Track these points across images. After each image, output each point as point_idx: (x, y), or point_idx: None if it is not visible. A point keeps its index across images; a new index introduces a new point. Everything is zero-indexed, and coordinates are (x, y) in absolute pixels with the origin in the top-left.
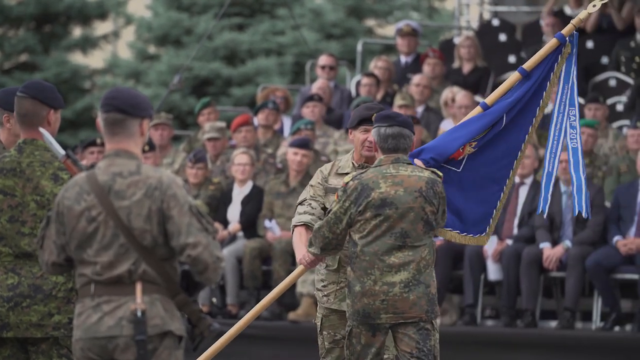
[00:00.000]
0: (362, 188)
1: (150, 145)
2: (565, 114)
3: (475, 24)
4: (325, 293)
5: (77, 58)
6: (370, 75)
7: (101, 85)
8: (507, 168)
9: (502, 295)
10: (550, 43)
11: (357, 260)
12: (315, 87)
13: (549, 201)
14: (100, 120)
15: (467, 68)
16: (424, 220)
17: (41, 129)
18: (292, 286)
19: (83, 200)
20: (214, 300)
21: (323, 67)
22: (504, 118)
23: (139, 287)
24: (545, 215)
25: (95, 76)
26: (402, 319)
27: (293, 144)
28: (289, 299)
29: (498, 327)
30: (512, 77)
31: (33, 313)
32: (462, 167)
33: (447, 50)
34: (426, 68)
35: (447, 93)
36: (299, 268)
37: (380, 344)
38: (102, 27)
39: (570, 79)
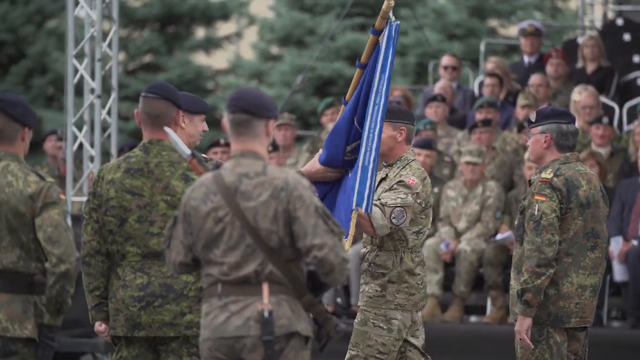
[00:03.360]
0: (569, 185)
1: (274, 146)
2: (380, 105)
3: (598, 24)
4: None
5: (201, 59)
6: (493, 75)
7: (224, 86)
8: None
9: (628, 296)
10: (370, 39)
11: (555, 262)
12: (438, 88)
13: (365, 196)
14: (225, 120)
15: (590, 68)
16: (605, 221)
17: (167, 129)
18: None
19: (210, 200)
20: (339, 300)
21: (446, 68)
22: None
23: (265, 287)
24: (366, 212)
25: (218, 77)
26: (584, 324)
27: (416, 145)
28: None
29: (624, 329)
30: (356, 72)
31: (165, 312)
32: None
33: (570, 50)
34: (549, 68)
35: (576, 94)
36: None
37: (564, 349)
38: (225, 28)
39: (387, 69)
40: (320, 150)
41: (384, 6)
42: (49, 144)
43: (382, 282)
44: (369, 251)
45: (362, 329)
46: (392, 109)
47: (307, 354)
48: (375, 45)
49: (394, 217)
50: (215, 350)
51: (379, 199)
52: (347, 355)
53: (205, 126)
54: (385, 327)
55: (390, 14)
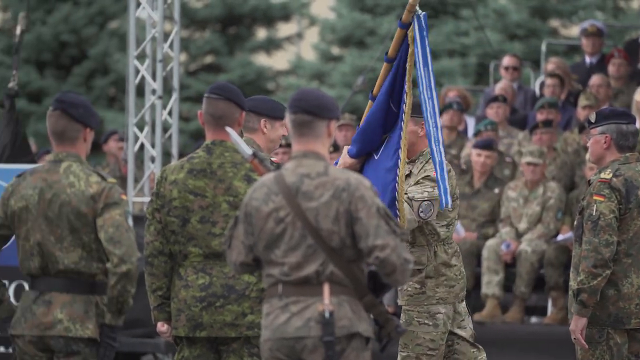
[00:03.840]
0: (628, 186)
1: (335, 146)
2: (433, 98)
3: None
4: None
5: (262, 59)
6: (554, 75)
7: (285, 87)
8: (395, 157)
9: None
10: (397, 33)
11: (614, 263)
12: (499, 88)
13: (448, 191)
14: (287, 121)
15: None
16: None
17: (228, 129)
18: (478, 288)
19: (271, 201)
20: (400, 301)
21: (507, 68)
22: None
23: (326, 288)
24: (450, 207)
25: (279, 77)
26: None
27: (477, 145)
28: (474, 300)
29: None
30: (384, 66)
31: (227, 313)
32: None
33: (632, 50)
34: (611, 68)
35: (638, 94)
36: None
37: (624, 350)
38: (286, 29)
39: (428, 63)
40: (346, 147)
41: None
42: (110, 145)
43: (420, 278)
44: None
45: (408, 329)
46: (412, 104)
47: (367, 355)
48: (403, 39)
49: (421, 211)
50: (276, 350)
51: (406, 194)
52: (399, 358)
53: (285, 131)
54: (431, 323)
55: (417, 7)
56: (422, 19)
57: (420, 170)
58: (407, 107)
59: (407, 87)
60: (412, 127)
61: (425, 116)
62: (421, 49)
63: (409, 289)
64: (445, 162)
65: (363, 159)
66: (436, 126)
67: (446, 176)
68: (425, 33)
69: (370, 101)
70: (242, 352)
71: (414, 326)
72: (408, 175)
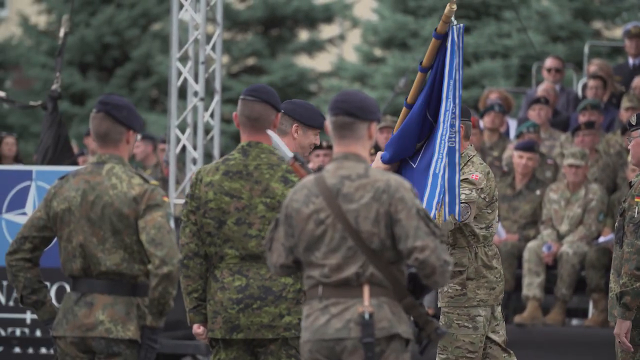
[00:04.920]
0: None
1: (376, 149)
2: (450, 111)
3: None
4: None
5: (304, 61)
6: (597, 77)
7: (327, 89)
8: (432, 165)
9: None
10: (432, 42)
11: None
12: (541, 90)
13: (433, 205)
14: (328, 123)
15: None
16: None
17: (269, 132)
18: (519, 289)
19: (311, 202)
20: (440, 303)
21: (549, 70)
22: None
23: (366, 289)
24: (446, 219)
25: (321, 79)
26: None
27: (518, 147)
28: (515, 302)
29: None
30: (418, 75)
31: (264, 314)
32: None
33: None
34: None
35: None
36: None
37: None
38: (328, 31)
39: (454, 74)
40: (379, 153)
41: (446, 10)
42: (140, 149)
43: (461, 280)
44: None
45: (448, 331)
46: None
47: (407, 357)
48: (438, 49)
49: (458, 213)
50: (315, 352)
51: None
52: None
53: (317, 140)
54: (470, 326)
55: (453, 18)
56: (455, 31)
57: None
58: (450, 117)
59: (445, 96)
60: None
61: (439, 128)
62: (449, 60)
63: (450, 290)
64: (441, 174)
65: (396, 165)
66: (444, 138)
67: (457, 190)
68: (458, 46)
69: (405, 108)
70: (280, 353)
71: (454, 329)
72: None
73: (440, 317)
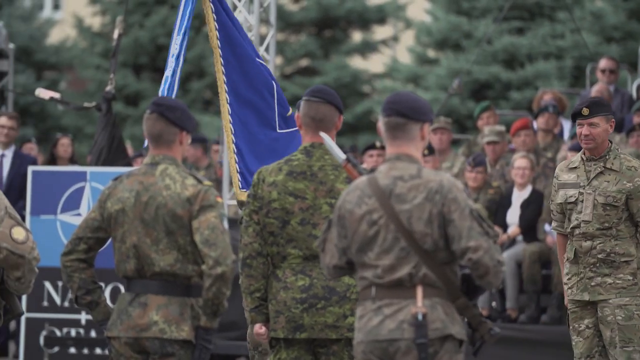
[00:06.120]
0: None
1: (430, 149)
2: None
3: None
4: (570, 285)
5: (357, 62)
6: None
7: (380, 90)
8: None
9: None
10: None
11: None
12: (595, 91)
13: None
14: (381, 124)
15: None
16: None
17: (322, 133)
18: None
19: (364, 203)
20: (494, 304)
21: (603, 71)
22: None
23: (419, 290)
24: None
25: (375, 80)
26: None
27: (572, 148)
28: None
29: None
30: None
31: (328, 314)
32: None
33: None
34: None
35: None
36: None
37: None
38: (381, 32)
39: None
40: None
41: None
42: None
43: (631, 269)
44: (600, 242)
45: (629, 323)
46: (601, 102)
47: (460, 358)
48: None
49: None
50: (369, 353)
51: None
52: (624, 355)
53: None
54: None
55: None
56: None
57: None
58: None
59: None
60: (604, 125)
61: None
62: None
63: (619, 281)
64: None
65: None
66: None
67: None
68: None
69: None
70: (343, 354)
71: (636, 319)
72: (601, 173)
73: (616, 311)
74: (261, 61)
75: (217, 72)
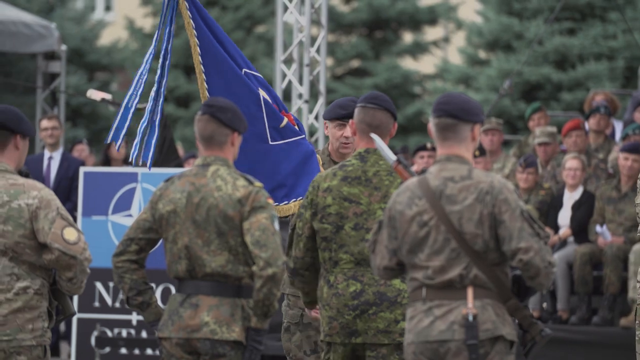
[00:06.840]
0: None
1: (481, 150)
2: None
3: None
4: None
5: (408, 63)
6: None
7: (431, 91)
8: None
9: None
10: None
11: None
12: None
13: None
14: (431, 125)
15: None
16: None
17: (373, 135)
18: (624, 292)
19: (415, 204)
20: (545, 305)
21: None
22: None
23: (470, 291)
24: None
25: (426, 81)
26: None
27: (624, 149)
28: (621, 305)
29: None
30: None
31: (379, 320)
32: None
33: None
34: None
35: None
36: None
37: None
38: (432, 33)
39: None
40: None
41: None
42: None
43: None
44: None
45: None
46: None
47: (511, 359)
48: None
49: None
50: (419, 354)
51: None
52: None
53: (344, 131)
54: None
55: None
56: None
57: None
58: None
59: None
60: None
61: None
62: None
63: None
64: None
65: None
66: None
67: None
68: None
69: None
70: (392, 358)
71: None
72: None
73: None
74: (248, 70)
75: (203, 99)
